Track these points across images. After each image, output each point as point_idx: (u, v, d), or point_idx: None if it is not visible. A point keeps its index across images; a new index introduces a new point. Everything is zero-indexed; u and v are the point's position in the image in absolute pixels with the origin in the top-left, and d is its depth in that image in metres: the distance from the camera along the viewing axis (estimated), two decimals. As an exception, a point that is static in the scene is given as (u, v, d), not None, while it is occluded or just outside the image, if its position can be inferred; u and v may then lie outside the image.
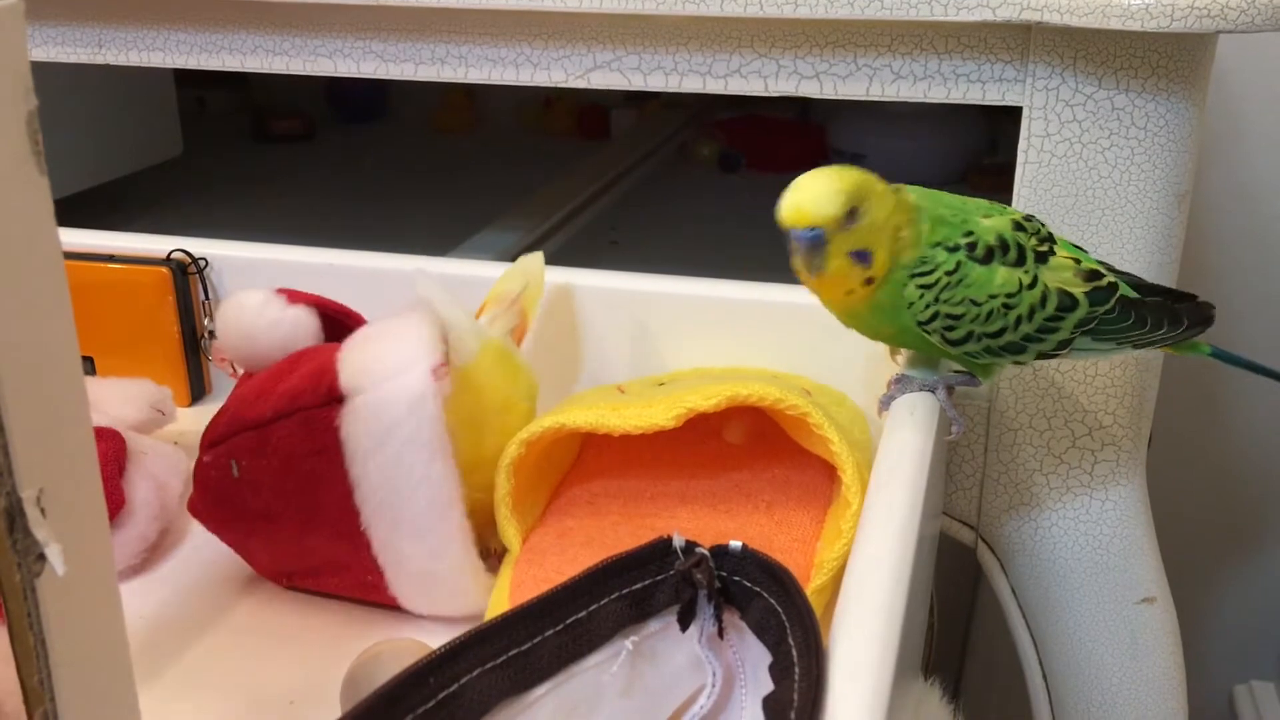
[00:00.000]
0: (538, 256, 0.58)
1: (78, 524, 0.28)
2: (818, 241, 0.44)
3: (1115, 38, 0.53)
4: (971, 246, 0.46)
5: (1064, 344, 0.47)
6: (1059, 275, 0.47)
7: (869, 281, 0.45)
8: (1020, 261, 0.46)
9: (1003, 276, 0.46)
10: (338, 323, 0.55)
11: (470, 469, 0.48)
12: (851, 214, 0.43)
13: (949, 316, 0.46)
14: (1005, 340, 0.46)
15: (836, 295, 0.46)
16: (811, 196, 0.43)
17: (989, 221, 0.46)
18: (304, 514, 0.48)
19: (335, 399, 0.46)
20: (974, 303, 0.45)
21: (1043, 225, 0.48)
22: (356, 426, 0.46)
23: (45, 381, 0.26)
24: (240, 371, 0.54)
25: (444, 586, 0.48)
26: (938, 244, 0.45)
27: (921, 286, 0.45)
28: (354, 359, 0.47)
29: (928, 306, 0.45)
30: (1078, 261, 0.48)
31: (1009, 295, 0.46)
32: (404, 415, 0.45)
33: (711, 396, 0.48)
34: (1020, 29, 0.54)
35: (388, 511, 0.46)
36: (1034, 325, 0.46)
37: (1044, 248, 0.47)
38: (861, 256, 0.44)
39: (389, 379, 0.46)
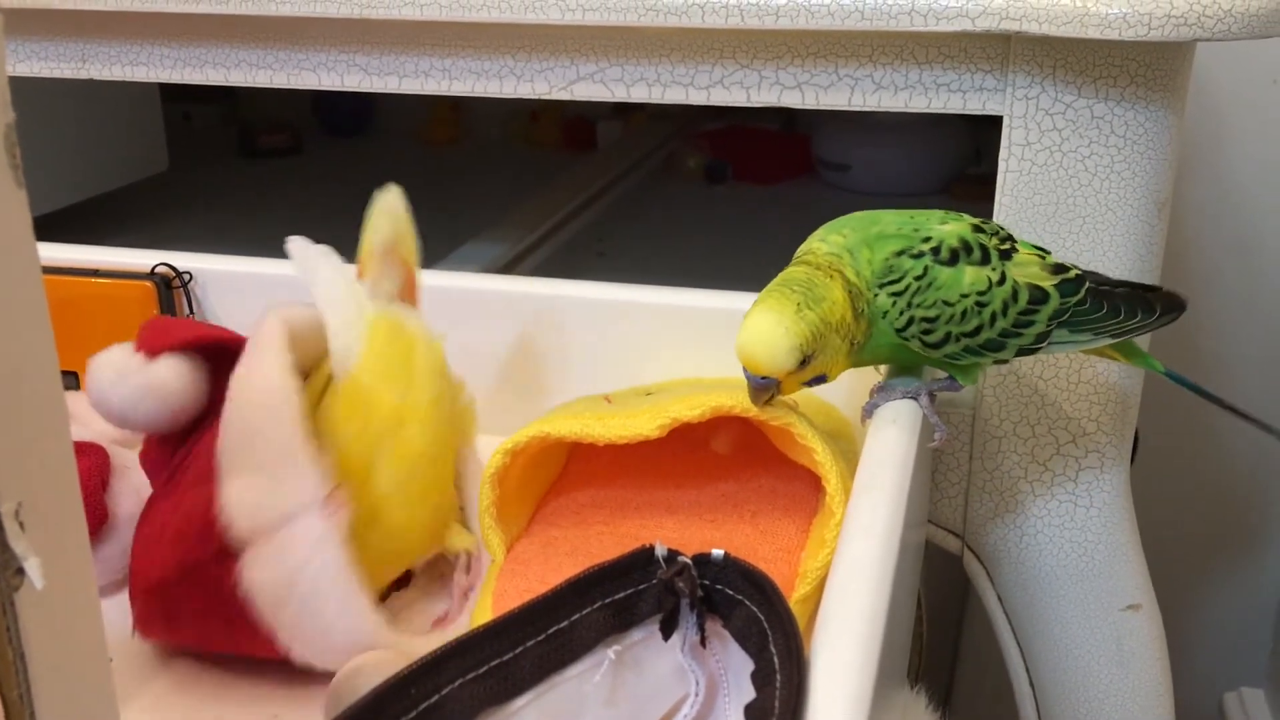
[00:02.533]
0: (392, 194, 0.53)
1: (57, 537, 0.28)
2: (769, 386, 0.45)
3: (1094, 47, 0.53)
4: (935, 250, 0.46)
5: (1042, 336, 0.48)
6: (1026, 270, 0.47)
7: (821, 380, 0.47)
8: (986, 260, 0.47)
9: (971, 275, 0.46)
10: (220, 352, 0.51)
11: (384, 489, 0.46)
12: (804, 362, 0.44)
13: (925, 320, 0.46)
14: (984, 338, 0.47)
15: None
16: (764, 351, 0.44)
17: (947, 227, 0.47)
18: (233, 647, 0.47)
19: (230, 553, 0.44)
20: (946, 304, 0.46)
21: (1001, 228, 0.49)
22: (260, 579, 0.43)
23: (23, 394, 0.26)
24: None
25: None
26: (901, 252, 0.46)
27: (893, 294, 0.46)
28: (237, 502, 0.44)
29: (902, 313, 0.46)
30: (1042, 256, 0.48)
31: (980, 293, 0.46)
32: (305, 562, 0.43)
33: (696, 407, 0.48)
34: (1000, 39, 0.55)
35: (313, 637, 0.44)
36: (1009, 320, 0.47)
37: (1006, 246, 0.48)
38: (816, 381, 0.46)
39: (280, 528, 0.43)
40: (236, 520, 0.44)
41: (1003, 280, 0.47)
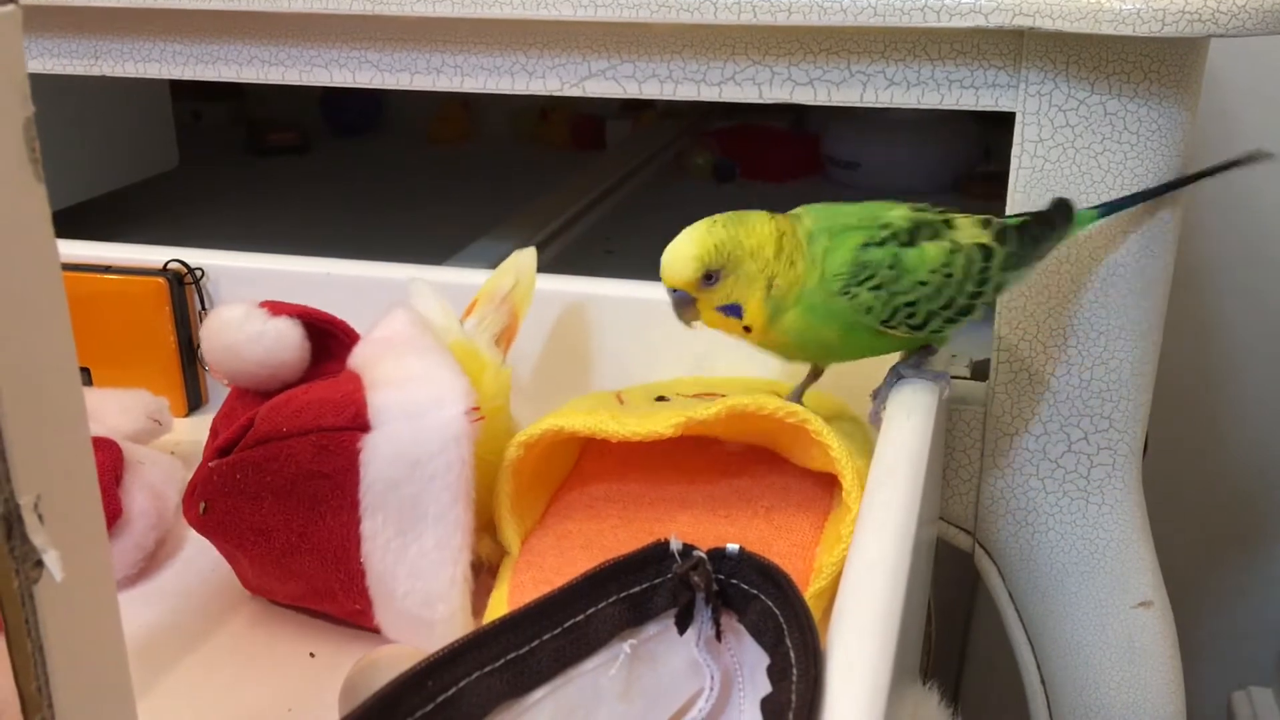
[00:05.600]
0: (530, 253, 0.58)
1: (76, 530, 0.28)
2: (683, 300, 0.47)
3: (1107, 43, 0.53)
4: (895, 235, 0.48)
5: (999, 286, 0.50)
6: (968, 233, 0.49)
7: (747, 329, 0.47)
8: (937, 235, 0.48)
9: (931, 251, 0.48)
10: (324, 333, 0.54)
11: None
12: (709, 276, 0.46)
13: (907, 305, 0.47)
14: (956, 307, 0.49)
15: (738, 337, 0.48)
16: (670, 260, 0.46)
17: (894, 213, 0.49)
18: (300, 535, 0.47)
19: (360, 425, 0.46)
20: (921, 284, 0.47)
21: (928, 206, 0.50)
22: (381, 455, 0.45)
23: (43, 387, 0.27)
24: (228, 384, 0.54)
25: (431, 631, 0.46)
26: (866, 245, 0.47)
27: (873, 289, 0.47)
28: (385, 389, 0.47)
29: (885, 304, 0.47)
30: (974, 217, 0.50)
31: (944, 265, 0.48)
32: (434, 453, 0.45)
33: (712, 408, 0.48)
34: (1013, 35, 0.55)
35: (393, 546, 0.45)
36: (972, 284, 0.49)
37: (945, 217, 0.49)
38: (729, 309, 0.47)
39: (423, 414, 0.45)
40: (382, 402, 0.46)
41: (957, 249, 0.48)
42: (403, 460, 0.45)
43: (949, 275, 0.48)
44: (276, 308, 0.53)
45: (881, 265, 0.47)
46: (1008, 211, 0.57)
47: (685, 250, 0.46)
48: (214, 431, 0.53)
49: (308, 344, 0.53)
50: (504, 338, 0.55)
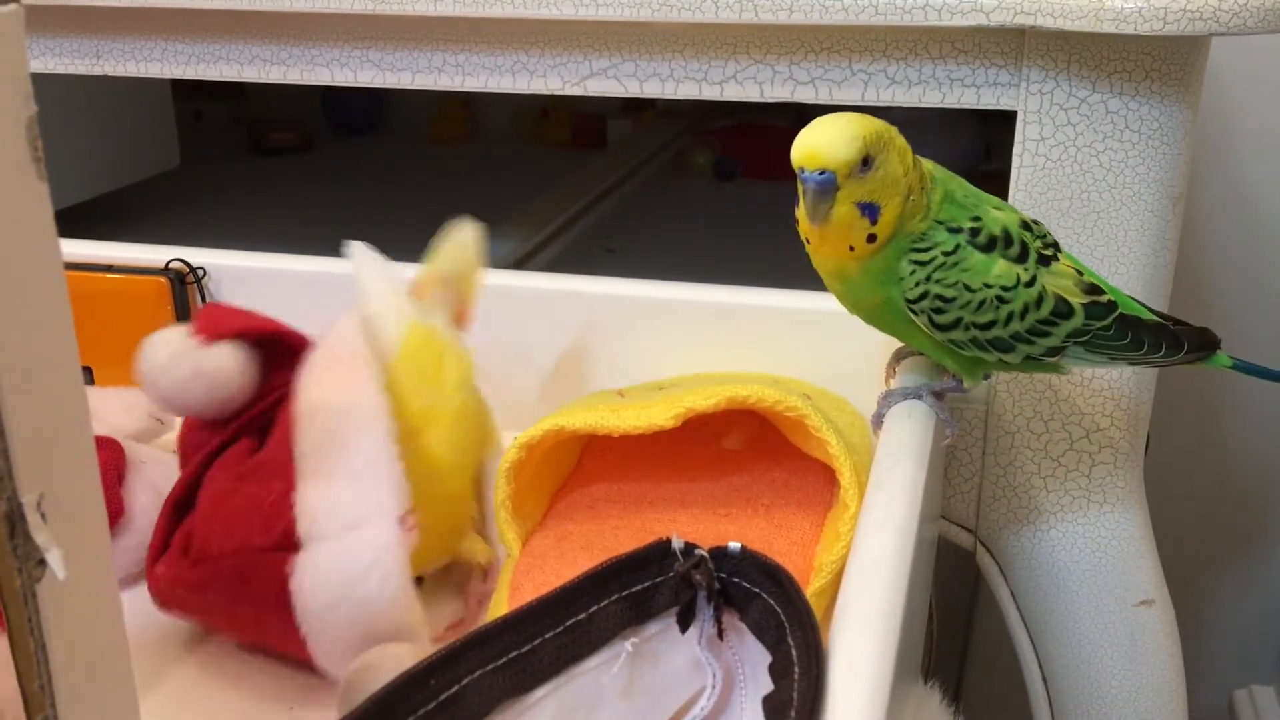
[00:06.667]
0: (470, 228, 0.55)
1: (78, 529, 0.28)
2: (827, 186, 0.42)
3: (1109, 41, 0.53)
4: (975, 232, 0.45)
5: (1055, 351, 0.47)
6: (1059, 281, 0.46)
7: (871, 239, 0.44)
8: (1022, 259, 0.45)
9: (1001, 268, 0.45)
10: (275, 344, 0.52)
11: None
12: (866, 162, 0.42)
13: (939, 298, 0.45)
14: (993, 335, 0.46)
15: (837, 250, 0.45)
16: (827, 139, 0.42)
17: (999, 214, 0.46)
18: (254, 638, 0.47)
19: (289, 545, 0.43)
20: (967, 288, 0.45)
21: (1049, 232, 0.48)
22: (311, 579, 0.42)
23: (45, 385, 0.27)
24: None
25: None
26: (941, 222, 0.45)
27: (915, 262, 0.44)
28: (312, 499, 0.43)
29: (918, 284, 0.44)
30: (1080, 273, 0.47)
31: (1004, 288, 0.45)
32: (365, 572, 0.42)
33: (710, 397, 0.48)
34: (1014, 33, 0.55)
35: (344, 655, 0.43)
36: (1025, 325, 0.46)
37: (1048, 252, 0.46)
38: (869, 209, 0.43)
39: (351, 529, 0.42)
40: (309, 515, 0.43)
41: (1032, 282, 0.45)
42: (334, 584, 0.42)
43: (1002, 300, 0.45)
44: (213, 328, 0.50)
45: (939, 248, 0.44)
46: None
47: (846, 129, 0.42)
48: (182, 455, 0.52)
49: (251, 367, 0.51)
50: (459, 320, 0.53)
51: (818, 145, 0.42)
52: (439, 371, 0.48)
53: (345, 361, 0.46)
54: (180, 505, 0.49)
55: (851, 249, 0.44)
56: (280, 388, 0.50)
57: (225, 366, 0.49)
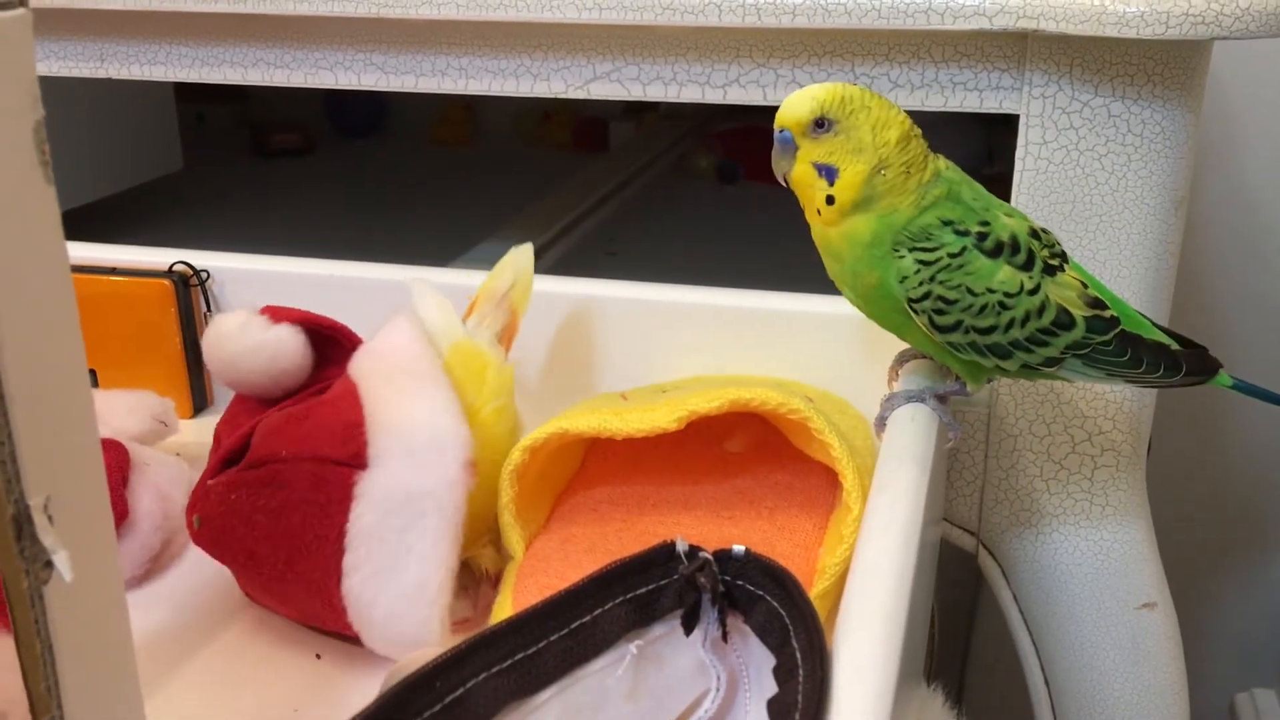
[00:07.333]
0: (526, 249, 0.57)
1: (85, 531, 0.28)
2: (786, 143, 0.45)
3: (1111, 45, 0.53)
4: (982, 236, 0.45)
5: (1052, 361, 0.47)
6: (1063, 292, 0.46)
7: (830, 200, 0.45)
8: (1028, 266, 0.45)
9: (1006, 274, 0.45)
10: (326, 338, 0.54)
11: None
12: (820, 123, 0.44)
13: (941, 299, 0.45)
14: (992, 340, 0.46)
15: (810, 215, 0.47)
16: (790, 100, 0.45)
17: (1009, 220, 0.46)
18: (285, 562, 0.47)
19: (359, 463, 0.46)
20: (970, 291, 0.45)
21: (1058, 241, 0.48)
22: (375, 492, 0.45)
23: (52, 388, 0.27)
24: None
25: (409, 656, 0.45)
26: (948, 223, 0.45)
27: (921, 262, 0.45)
28: (387, 432, 0.46)
29: (921, 284, 0.45)
30: (1085, 286, 0.47)
31: (1007, 294, 0.45)
32: (429, 491, 0.45)
33: (713, 399, 0.48)
34: (1017, 37, 0.55)
35: (371, 583, 0.45)
36: (1025, 333, 0.46)
37: (1055, 261, 0.46)
38: (825, 170, 0.45)
39: (424, 454, 0.45)
40: (380, 441, 0.46)
41: (1035, 291, 0.45)
42: (396, 496, 0.45)
43: (1004, 306, 0.45)
44: (278, 314, 0.53)
45: (945, 249, 0.45)
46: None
47: (808, 92, 0.44)
48: (217, 439, 0.53)
49: (309, 351, 0.53)
50: (505, 335, 0.55)
51: (783, 106, 0.45)
52: (482, 378, 0.51)
53: (400, 342, 0.50)
54: (230, 460, 0.49)
55: (819, 213, 0.46)
56: (330, 379, 0.52)
57: (287, 342, 0.52)
